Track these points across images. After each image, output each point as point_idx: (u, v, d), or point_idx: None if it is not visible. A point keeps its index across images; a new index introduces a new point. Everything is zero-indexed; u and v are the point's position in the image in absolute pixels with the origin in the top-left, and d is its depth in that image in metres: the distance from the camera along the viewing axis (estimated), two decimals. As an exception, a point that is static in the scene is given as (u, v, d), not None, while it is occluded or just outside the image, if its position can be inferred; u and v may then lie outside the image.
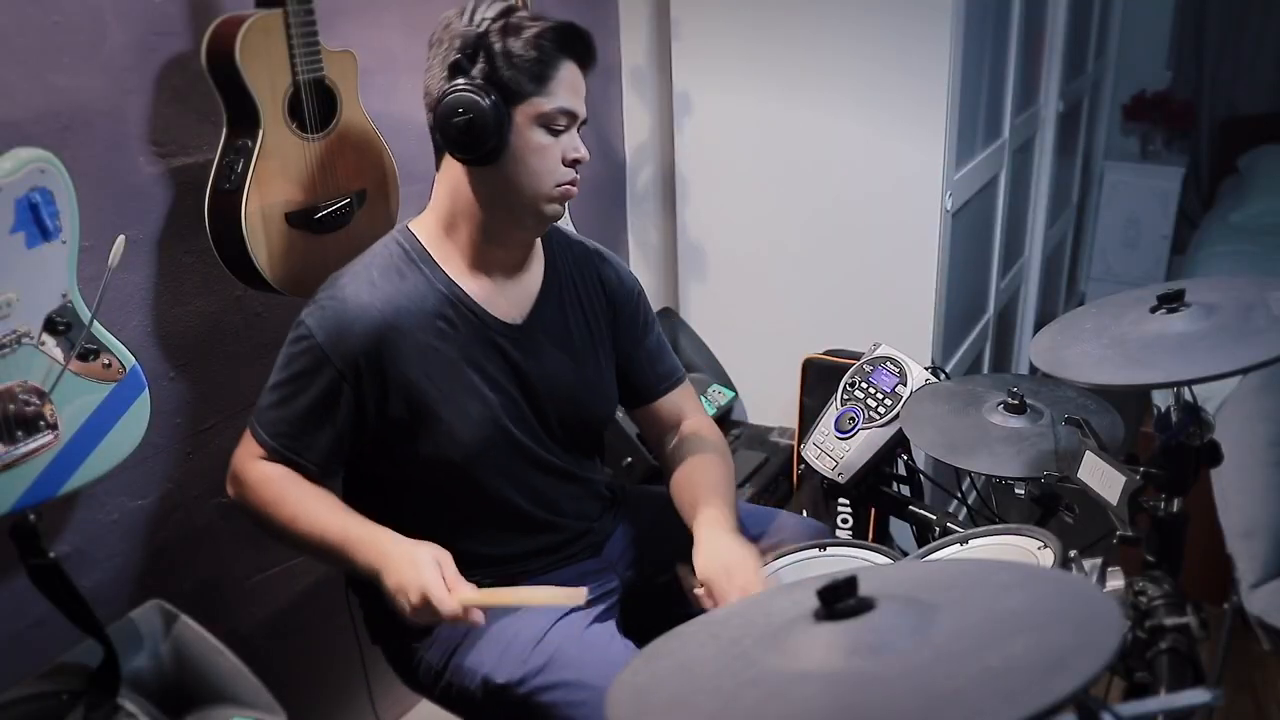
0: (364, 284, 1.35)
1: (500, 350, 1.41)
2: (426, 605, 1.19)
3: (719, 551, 1.32)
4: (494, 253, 1.40)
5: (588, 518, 1.56)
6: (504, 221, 1.38)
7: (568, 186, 1.36)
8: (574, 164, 1.35)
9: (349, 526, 1.31)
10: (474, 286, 1.40)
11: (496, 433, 1.41)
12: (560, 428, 1.49)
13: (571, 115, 1.33)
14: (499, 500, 1.44)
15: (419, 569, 1.21)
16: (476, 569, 1.43)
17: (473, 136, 1.29)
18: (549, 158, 1.33)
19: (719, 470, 1.51)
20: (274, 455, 1.36)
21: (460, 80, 1.29)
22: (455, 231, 1.39)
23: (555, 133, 1.33)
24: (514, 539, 1.47)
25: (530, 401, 1.44)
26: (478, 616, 1.21)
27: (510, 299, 1.43)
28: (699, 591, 1.31)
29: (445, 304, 1.37)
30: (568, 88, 1.32)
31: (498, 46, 1.29)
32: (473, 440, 1.39)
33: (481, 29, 1.29)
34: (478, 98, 1.28)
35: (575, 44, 1.32)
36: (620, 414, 2.16)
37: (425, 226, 1.41)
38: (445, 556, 1.25)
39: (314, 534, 1.31)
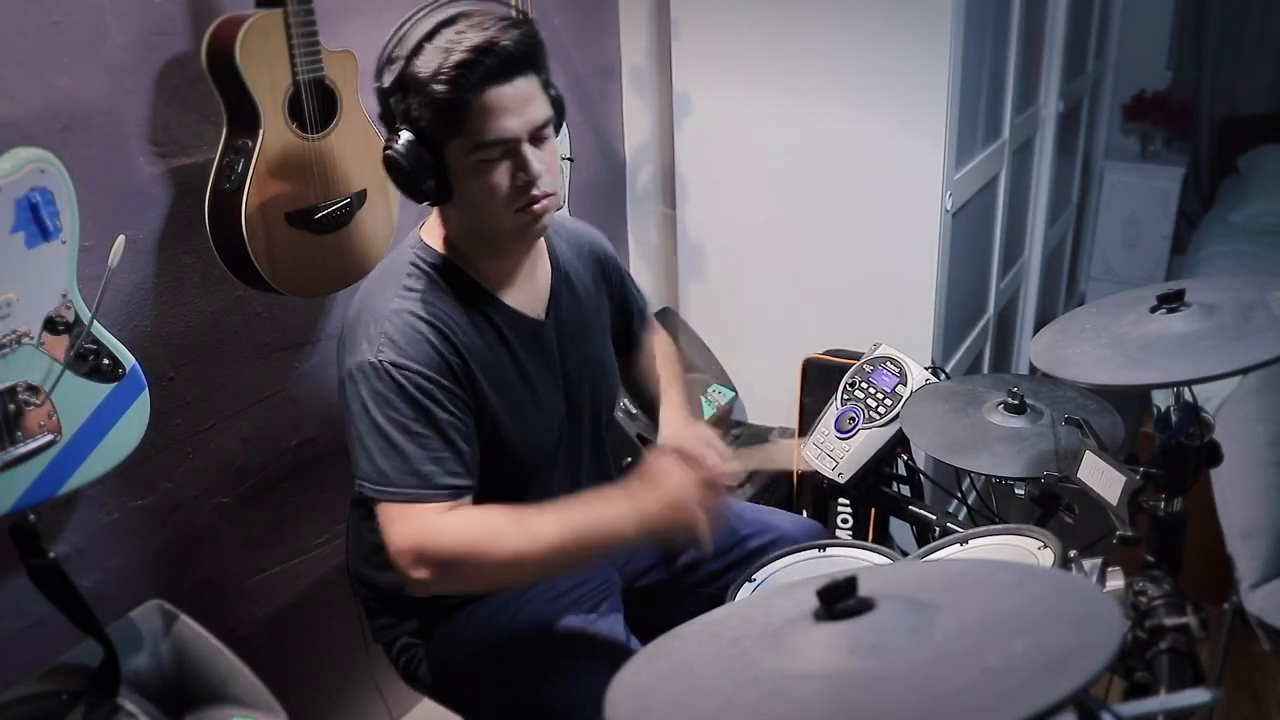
0: (418, 302, 1.29)
1: (540, 348, 1.40)
2: (708, 486, 1.19)
3: (681, 427, 1.57)
4: (501, 260, 1.38)
5: None
6: (487, 242, 1.35)
7: (530, 208, 1.28)
8: (528, 185, 1.26)
9: (578, 506, 1.21)
10: (503, 290, 1.37)
11: (551, 430, 1.41)
12: (589, 415, 1.50)
13: (504, 142, 1.23)
14: (537, 502, 1.43)
15: (681, 488, 1.19)
16: None
17: (414, 187, 1.27)
18: (493, 189, 1.26)
19: (668, 363, 1.69)
20: (448, 500, 1.24)
21: (389, 134, 1.26)
22: (460, 246, 1.36)
23: (493, 164, 1.24)
24: None
25: (570, 395, 1.44)
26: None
27: (532, 296, 1.42)
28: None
29: (489, 312, 1.35)
30: (490, 119, 1.22)
31: (408, 96, 1.22)
32: (535, 441, 1.38)
33: (390, 80, 1.24)
34: (400, 156, 1.24)
35: (485, 68, 1.20)
36: (620, 414, 2.16)
37: (436, 238, 1.37)
38: (674, 454, 1.23)
39: (559, 535, 1.19)
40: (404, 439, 1.22)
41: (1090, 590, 0.73)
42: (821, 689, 0.65)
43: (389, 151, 1.26)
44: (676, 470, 1.19)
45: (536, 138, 1.27)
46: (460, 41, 1.20)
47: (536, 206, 1.28)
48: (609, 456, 1.60)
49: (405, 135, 1.24)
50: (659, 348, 1.71)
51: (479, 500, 1.33)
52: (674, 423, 1.60)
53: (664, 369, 1.68)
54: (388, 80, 1.25)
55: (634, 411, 2.20)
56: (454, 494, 1.24)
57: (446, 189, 1.28)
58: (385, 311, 1.27)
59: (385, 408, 1.23)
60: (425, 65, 1.21)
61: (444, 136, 1.24)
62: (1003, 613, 0.71)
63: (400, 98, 1.24)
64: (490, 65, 1.20)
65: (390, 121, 1.27)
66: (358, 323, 1.30)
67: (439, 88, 1.20)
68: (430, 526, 1.21)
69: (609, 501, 1.21)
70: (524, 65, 1.24)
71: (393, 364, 1.23)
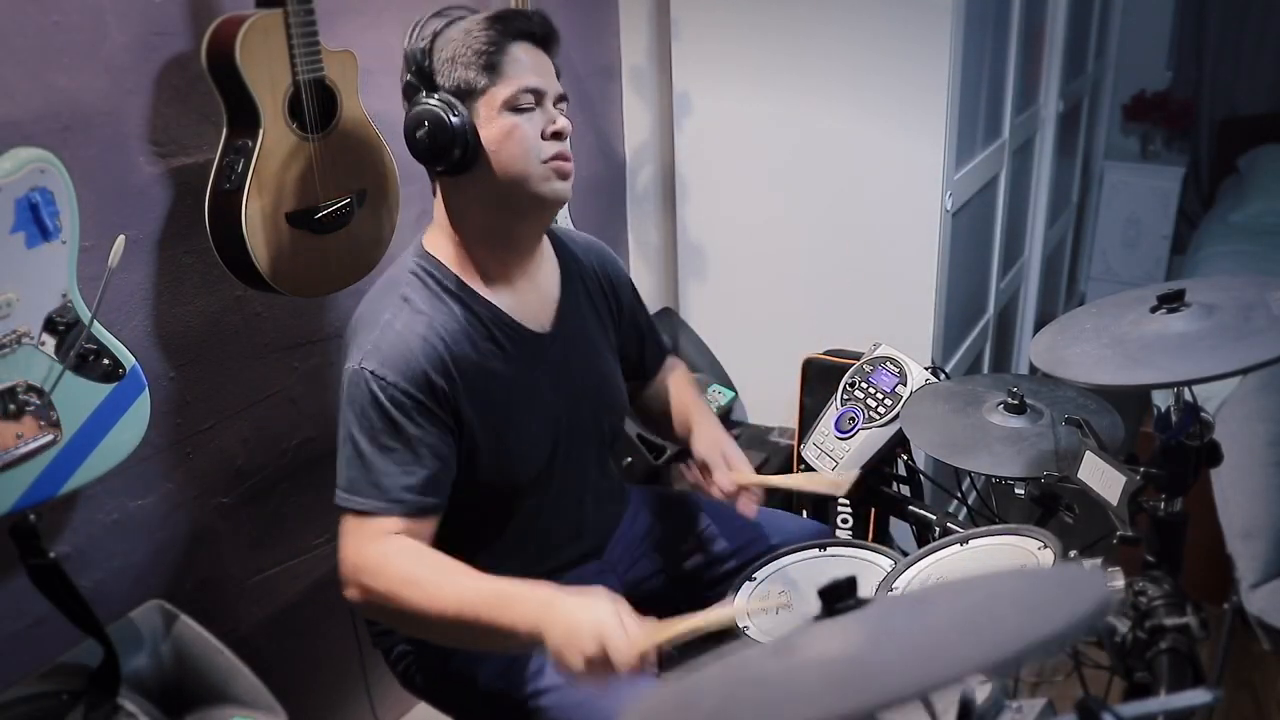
0: (412, 314, 1.29)
1: (544, 363, 1.39)
2: (602, 656, 1.03)
3: (716, 440, 1.53)
4: (510, 259, 1.37)
5: (607, 528, 1.55)
6: (507, 220, 1.33)
7: (556, 161, 1.30)
8: (555, 136, 1.30)
9: (500, 583, 1.15)
10: (506, 301, 1.36)
11: (556, 448, 1.39)
12: (597, 431, 1.48)
13: (536, 92, 1.28)
14: (535, 519, 1.42)
15: (595, 615, 1.05)
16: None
17: (439, 145, 1.26)
18: (524, 137, 1.28)
19: (694, 391, 1.69)
20: (405, 516, 1.22)
21: (415, 98, 1.28)
22: (469, 247, 1.34)
23: (524, 111, 1.28)
24: (537, 556, 1.45)
25: (574, 410, 1.42)
26: (652, 665, 1.05)
27: (537, 308, 1.40)
28: (697, 475, 1.52)
29: (489, 325, 1.33)
30: (524, 68, 1.28)
31: (443, 54, 1.27)
32: (536, 459, 1.37)
33: (423, 44, 1.28)
34: (433, 107, 1.26)
35: (520, 24, 1.29)
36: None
37: (440, 247, 1.35)
38: (621, 603, 1.09)
39: (464, 603, 1.14)
40: (371, 449, 1.23)
41: (1082, 570, 0.74)
42: (818, 674, 0.66)
43: (418, 108, 1.27)
44: (602, 620, 1.05)
45: (559, 109, 1.32)
46: (489, 11, 1.30)
47: (564, 164, 1.31)
48: (616, 477, 1.59)
49: (435, 95, 1.27)
50: (680, 378, 1.69)
51: (464, 518, 1.32)
52: (708, 436, 1.54)
53: (686, 390, 1.67)
54: (423, 43, 1.28)
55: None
56: (411, 510, 1.23)
57: (473, 152, 1.28)
58: (379, 321, 1.28)
59: (360, 416, 1.24)
60: (461, 27, 1.28)
61: (480, 88, 1.27)
62: (996, 594, 0.72)
63: (430, 69, 1.27)
64: (520, 25, 1.29)
65: (414, 90, 1.29)
66: (354, 331, 1.31)
67: (479, 35, 1.26)
68: (371, 547, 1.21)
69: (525, 597, 1.13)
70: (548, 41, 1.32)
71: (373, 374, 1.24)
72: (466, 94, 1.27)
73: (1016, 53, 2.68)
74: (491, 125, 1.27)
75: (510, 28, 1.28)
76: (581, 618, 1.06)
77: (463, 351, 1.29)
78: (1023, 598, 0.68)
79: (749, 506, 1.47)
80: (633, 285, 1.61)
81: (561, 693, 1.30)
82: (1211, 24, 4.51)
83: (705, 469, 1.50)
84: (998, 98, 2.64)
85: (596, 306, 1.51)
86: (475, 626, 1.14)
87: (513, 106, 1.27)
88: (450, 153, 1.26)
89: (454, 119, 1.25)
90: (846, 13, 2.17)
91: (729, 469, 1.48)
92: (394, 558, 1.20)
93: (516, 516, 1.39)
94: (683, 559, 1.59)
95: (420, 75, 1.28)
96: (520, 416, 1.35)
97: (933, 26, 2.10)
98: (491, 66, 1.26)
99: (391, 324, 1.27)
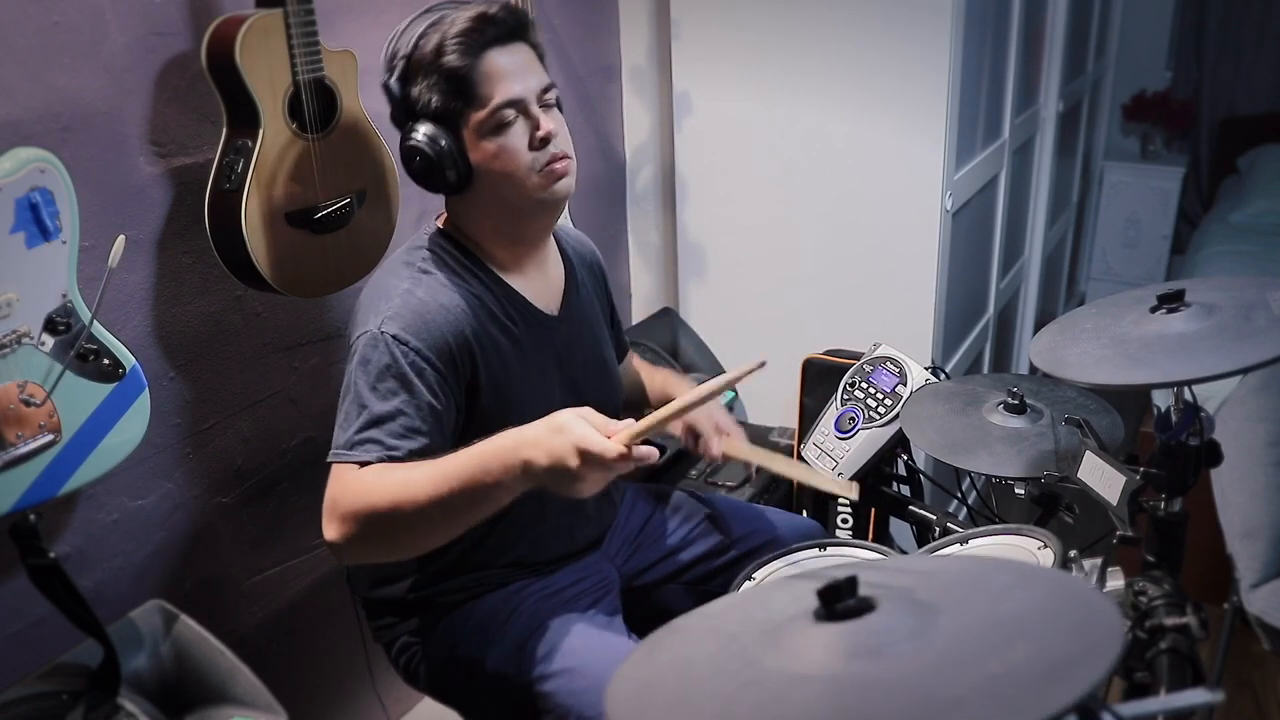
0: (435, 284, 1.30)
1: (551, 344, 1.41)
2: (589, 461, 1.07)
3: (706, 408, 1.49)
4: (518, 250, 1.39)
5: (606, 517, 1.56)
6: (514, 222, 1.36)
7: (551, 167, 1.30)
8: (544, 142, 1.29)
9: (469, 452, 1.14)
10: (518, 282, 1.39)
11: None
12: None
13: (516, 103, 1.27)
14: (539, 502, 1.43)
15: (565, 431, 1.09)
16: (489, 569, 1.43)
17: (435, 175, 1.29)
18: (514, 155, 1.28)
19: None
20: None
21: (404, 130, 1.29)
22: (480, 238, 1.37)
23: (507, 126, 1.27)
24: (538, 541, 1.46)
25: (577, 393, 1.44)
26: (645, 451, 1.08)
27: (546, 292, 1.43)
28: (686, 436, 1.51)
29: (503, 302, 1.36)
30: (496, 80, 1.26)
31: (416, 83, 1.27)
32: None
33: (395, 74, 1.28)
34: (419, 140, 1.27)
35: (488, 34, 1.26)
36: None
37: (454, 229, 1.38)
38: (585, 409, 1.12)
39: (442, 486, 1.13)
40: (381, 409, 1.21)
41: (1089, 594, 0.73)
42: (822, 692, 0.65)
43: (408, 143, 1.28)
44: (576, 429, 1.09)
45: (544, 103, 1.31)
46: (456, 20, 1.27)
47: (557, 165, 1.31)
48: None
49: (421, 125, 1.27)
50: (641, 361, 1.75)
51: None
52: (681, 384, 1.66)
53: (654, 368, 1.74)
54: (395, 76, 1.28)
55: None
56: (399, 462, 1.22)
57: (467, 173, 1.29)
58: (397, 290, 1.29)
59: (374, 378, 1.23)
60: (427, 47, 1.26)
61: (458, 112, 1.27)
62: (1003, 615, 0.71)
63: (409, 88, 1.27)
64: (488, 32, 1.26)
65: (402, 119, 1.30)
66: (367, 301, 1.32)
67: (445, 59, 1.25)
68: (350, 477, 1.19)
69: (495, 446, 1.13)
70: (519, 33, 1.30)
71: (394, 337, 1.24)
72: (448, 119, 1.27)
73: (1016, 53, 2.68)
74: (477, 149, 1.29)
75: (475, 42, 1.25)
76: (554, 440, 1.08)
77: (480, 325, 1.31)
78: (1037, 637, 0.66)
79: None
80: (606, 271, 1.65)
81: (569, 676, 1.30)
82: (1211, 24, 4.51)
83: (692, 432, 1.49)
84: (998, 98, 2.64)
85: (593, 295, 1.55)
86: (462, 498, 1.13)
87: (494, 126, 1.27)
88: (446, 180, 1.29)
89: (444, 148, 1.27)
90: (847, 13, 2.17)
91: (720, 435, 1.47)
92: (369, 477, 1.18)
93: (518, 503, 1.40)
94: (679, 552, 1.60)
95: (401, 107, 1.29)
96: (528, 395, 1.37)
97: (933, 27, 2.10)
98: (463, 90, 1.26)
99: (413, 292, 1.28)
